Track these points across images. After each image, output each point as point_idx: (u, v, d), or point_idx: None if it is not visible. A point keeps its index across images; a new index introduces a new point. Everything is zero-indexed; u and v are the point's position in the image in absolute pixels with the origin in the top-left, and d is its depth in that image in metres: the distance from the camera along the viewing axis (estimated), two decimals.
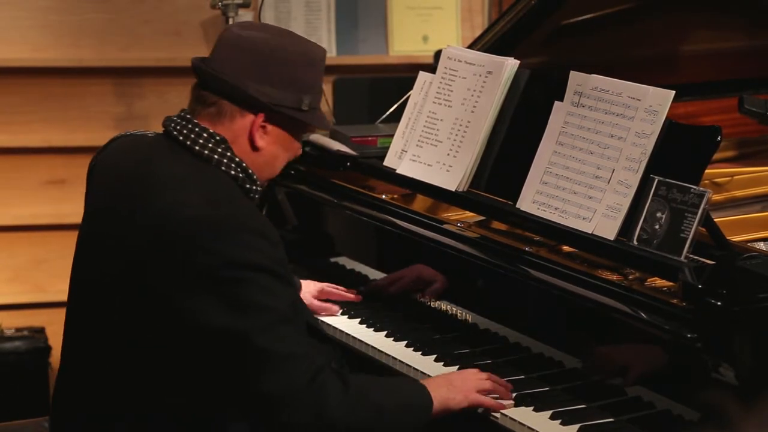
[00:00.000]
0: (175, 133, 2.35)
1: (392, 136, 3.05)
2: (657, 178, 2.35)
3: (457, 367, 2.55)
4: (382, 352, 2.69)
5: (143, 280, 2.25)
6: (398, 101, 3.38)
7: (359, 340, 2.77)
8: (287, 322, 2.25)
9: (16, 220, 4.50)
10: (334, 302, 2.95)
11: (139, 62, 4.49)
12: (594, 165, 2.52)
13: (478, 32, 4.22)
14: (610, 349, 2.37)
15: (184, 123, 2.35)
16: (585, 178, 2.53)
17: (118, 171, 2.39)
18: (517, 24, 3.29)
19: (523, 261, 2.54)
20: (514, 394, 2.41)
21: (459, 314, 2.73)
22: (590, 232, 2.48)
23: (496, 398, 2.40)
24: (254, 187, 2.36)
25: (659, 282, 2.37)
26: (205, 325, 2.21)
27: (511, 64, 2.81)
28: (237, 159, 2.34)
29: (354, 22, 4.68)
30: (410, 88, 3.03)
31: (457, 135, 2.84)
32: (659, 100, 2.45)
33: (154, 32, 4.54)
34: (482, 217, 2.83)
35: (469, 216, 2.86)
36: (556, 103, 2.63)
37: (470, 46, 3.22)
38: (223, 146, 2.33)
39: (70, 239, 2.44)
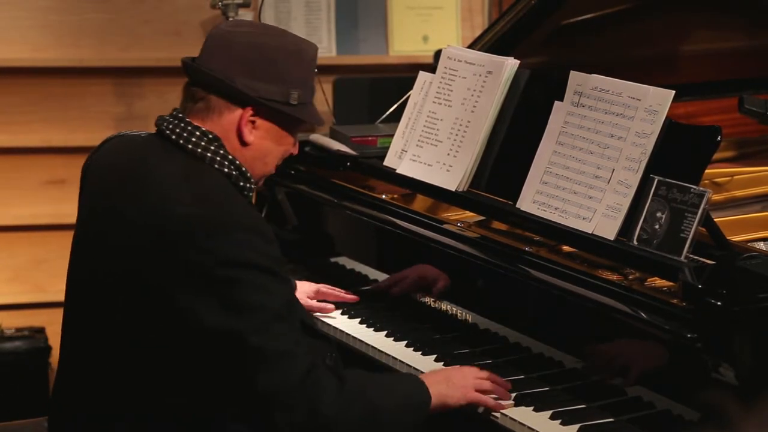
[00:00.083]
0: (167, 132, 2.35)
1: (392, 136, 3.05)
2: (657, 178, 2.35)
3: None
4: (382, 352, 2.69)
5: (139, 279, 2.25)
6: (398, 101, 3.38)
7: (359, 340, 2.77)
8: (282, 320, 2.25)
9: (16, 220, 4.50)
10: (331, 303, 2.95)
11: (139, 62, 4.49)
12: (594, 165, 2.52)
13: (478, 32, 4.23)
14: (610, 349, 2.37)
15: (176, 122, 2.35)
16: (585, 177, 2.53)
17: (111, 171, 2.39)
18: (517, 24, 3.29)
19: (523, 261, 2.54)
20: (513, 394, 2.41)
21: (459, 314, 2.73)
22: (590, 232, 2.48)
23: (495, 398, 2.40)
24: (248, 185, 2.36)
25: (659, 282, 2.37)
26: (200, 324, 2.21)
27: (511, 64, 2.81)
28: (230, 157, 2.34)
29: (354, 22, 4.68)
30: (410, 87, 3.03)
31: (457, 135, 2.84)
32: (659, 99, 2.45)
33: (154, 32, 4.54)
34: (482, 217, 2.83)
35: (469, 216, 2.86)
36: (556, 102, 2.63)
37: (470, 46, 3.22)
38: (216, 144, 2.33)
39: (70, 239, 2.45)
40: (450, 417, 2.46)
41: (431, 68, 3.01)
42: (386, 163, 3.02)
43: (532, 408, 2.36)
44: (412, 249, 2.84)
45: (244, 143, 2.36)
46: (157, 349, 2.26)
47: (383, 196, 3.02)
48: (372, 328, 2.81)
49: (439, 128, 2.88)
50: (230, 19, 4.02)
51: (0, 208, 4.51)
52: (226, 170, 2.33)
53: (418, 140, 2.93)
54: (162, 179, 2.29)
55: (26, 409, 3.49)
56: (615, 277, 2.41)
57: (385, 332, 2.78)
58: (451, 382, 2.41)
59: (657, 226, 2.33)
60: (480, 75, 2.84)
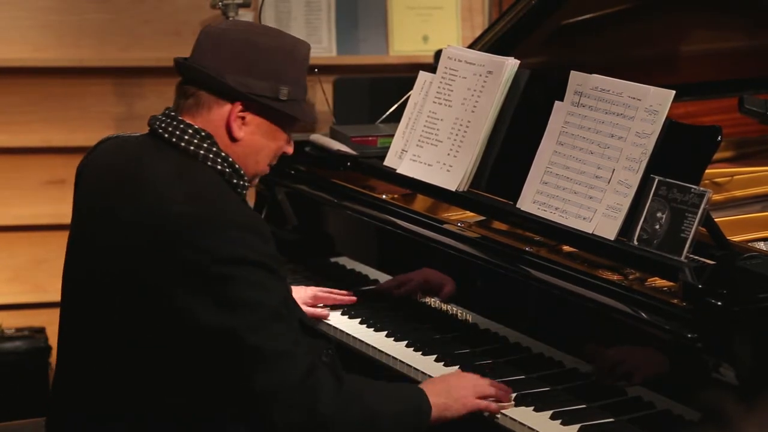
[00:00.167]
0: (160, 131, 2.35)
1: (392, 136, 3.05)
2: (657, 178, 2.35)
3: (458, 367, 2.55)
4: (382, 352, 2.69)
5: (135, 279, 2.25)
6: (398, 101, 3.38)
7: (359, 340, 2.77)
8: (280, 319, 2.24)
9: (16, 220, 4.50)
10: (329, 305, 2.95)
11: (140, 62, 4.49)
12: (594, 165, 2.52)
13: (478, 32, 4.23)
14: (611, 349, 2.37)
15: (169, 120, 2.36)
16: (585, 178, 2.53)
17: (106, 171, 2.39)
18: (517, 24, 3.29)
19: (523, 261, 2.54)
20: (514, 394, 2.41)
21: (459, 314, 2.73)
22: (590, 232, 2.48)
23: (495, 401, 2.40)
24: (241, 182, 2.36)
25: (659, 282, 2.37)
26: (197, 323, 2.21)
27: (512, 63, 2.81)
28: (223, 154, 2.34)
29: (354, 22, 4.68)
30: (410, 87, 3.03)
31: (457, 135, 2.84)
32: (659, 99, 2.45)
33: (154, 32, 4.54)
34: (482, 217, 2.83)
35: (470, 216, 2.86)
36: (557, 102, 2.63)
37: (470, 46, 3.22)
38: (209, 142, 2.34)
39: None
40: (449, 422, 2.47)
41: (431, 68, 3.01)
42: (386, 163, 3.02)
43: (532, 408, 2.36)
44: (413, 249, 2.84)
45: (233, 139, 2.36)
46: (155, 348, 2.26)
47: (383, 196, 3.02)
48: (372, 328, 2.81)
49: (440, 128, 2.88)
50: (230, 19, 4.02)
51: (0, 208, 4.51)
52: (219, 167, 2.33)
53: (419, 140, 2.93)
54: (155, 178, 2.29)
55: (26, 409, 3.48)
56: (615, 277, 2.41)
57: (385, 332, 2.78)
58: (451, 394, 2.40)
59: (657, 226, 2.33)
60: (480, 75, 2.84)
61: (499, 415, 2.37)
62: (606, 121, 2.53)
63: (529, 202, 2.62)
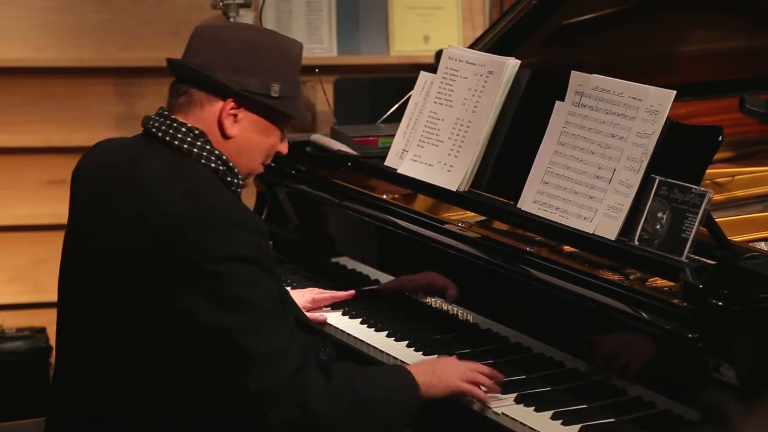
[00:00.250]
0: (154, 130, 2.36)
1: (393, 136, 3.05)
2: (658, 178, 2.35)
3: None
4: (383, 352, 2.69)
5: (132, 279, 2.25)
6: (399, 101, 3.38)
7: (360, 340, 2.77)
8: (273, 318, 2.25)
9: (16, 220, 4.50)
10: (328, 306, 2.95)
11: (140, 62, 4.50)
12: (595, 165, 2.52)
13: (479, 32, 4.23)
14: (611, 349, 2.37)
15: (162, 120, 2.36)
16: (586, 178, 2.53)
17: (101, 173, 2.40)
18: (518, 24, 3.29)
19: (524, 261, 2.54)
20: (514, 394, 2.41)
21: (460, 314, 2.73)
22: (591, 232, 2.48)
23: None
24: (236, 180, 2.37)
25: (660, 282, 2.37)
26: (193, 322, 2.21)
27: (512, 64, 2.81)
28: (216, 152, 2.34)
29: (355, 22, 4.68)
30: (411, 88, 3.03)
31: (458, 135, 2.84)
32: (660, 100, 2.45)
33: (154, 32, 4.54)
34: (483, 217, 2.83)
35: (470, 216, 2.86)
36: (557, 103, 2.63)
37: (471, 46, 3.22)
38: (203, 140, 2.34)
39: None
40: (450, 417, 2.47)
41: (432, 68, 3.01)
42: (387, 163, 3.02)
43: (533, 408, 2.36)
44: (413, 249, 2.84)
45: (226, 136, 2.36)
46: (154, 348, 2.26)
47: (384, 196, 3.02)
48: (373, 328, 2.81)
49: (440, 128, 2.89)
50: (231, 19, 4.02)
51: (0, 208, 4.51)
52: (213, 165, 2.34)
53: (419, 140, 2.93)
54: (150, 177, 2.30)
55: (27, 409, 3.49)
56: (616, 277, 2.42)
57: (386, 332, 2.78)
58: (436, 374, 2.41)
59: (658, 226, 2.33)
60: (481, 75, 2.84)
61: (499, 414, 2.37)
62: (607, 121, 2.53)
63: (529, 202, 2.62)
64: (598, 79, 2.58)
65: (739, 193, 2.86)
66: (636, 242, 2.37)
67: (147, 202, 2.27)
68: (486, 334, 2.66)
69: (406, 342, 2.72)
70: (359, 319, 2.87)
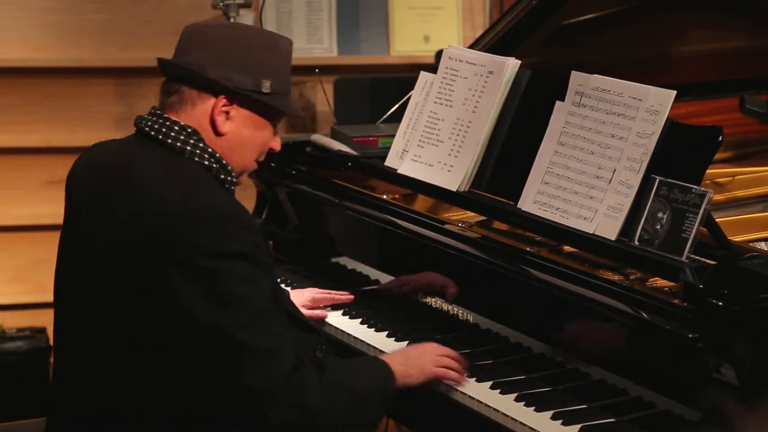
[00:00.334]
0: (147, 129, 2.37)
1: (393, 136, 3.05)
2: (658, 178, 2.35)
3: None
4: (383, 352, 2.68)
5: (128, 278, 2.26)
6: (399, 101, 3.38)
7: (360, 340, 2.77)
8: (267, 315, 2.26)
9: (16, 220, 4.50)
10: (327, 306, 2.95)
11: (140, 62, 4.50)
12: (595, 165, 2.52)
13: (479, 32, 4.23)
14: (612, 349, 2.37)
15: (154, 119, 2.37)
16: (586, 178, 2.53)
17: (96, 173, 2.41)
18: (518, 24, 3.29)
19: (524, 261, 2.54)
20: (515, 394, 2.41)
21: (460, 314, 2.73)
22: (591, 233, 2.48)
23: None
24: (229, 178, 2.37)
25: (660, 282, 2.37)
26: (191, 320, 2.22)
27: (513, 64, 2.81)
28: (210, 149, 2.35)
29: (355, 22, 4.68)
30: (411, 88, 3.03)
31: (458, 135, 2.84)
32: (660, 100, 2.45)
33: (154, 32, 4.54)
34: (483, 218, 2.83)
35: (471, 216, 2.87)
36: (558, 103, 2.63)
37: (471, 46, 3.22)
38: (195, 138, 2.35)
39: None
40: (450, 415, 2.47)
41: (432, 68, 3.01)
42: (387, 163, 3.02)
43: (533, 408, 2.36)
44: (414, 249, 2.84)
45: (218, 134, 2.37)
46: (152, 348, 2.27)
47: (384, 197, 3.02)
48: (373, 329, 2.81)
49: (441, 128, 2.89)
50: (231, 19, 4.02)
51: (0, 208, 4.51)
52: (206, 163, 2.34)
53: (420, 140, 2.93)
54: (143, 176, 2.31)
55: (27, 409, 3.49)
56: (616, 278, 2.42)
57: (386, 332, 2.78)
58: (410, 362, 2.46)
59: (658, 227, 2.33)
60: (481, 75, 2.84)
61: (500, 415, 2.37)
62: (607, 122, 2.53)
63: (530, 202, 2.62)
64: (598, 79, 2.58)
65: (740, 193, 2.86)
66: (636, 242, 2.37)
67: (141, 201, 2.27)
68: (486, 334, 2.66)
69: (406, 342, 2.72)
70: (359, 319, 2.87)
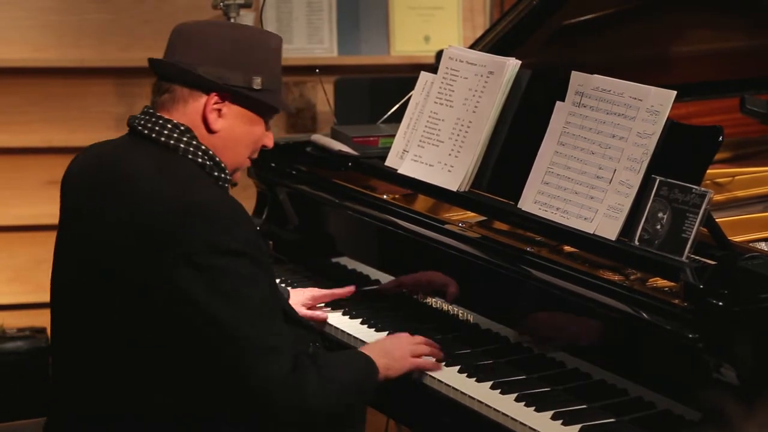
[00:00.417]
0: (140, 128, 2.37)
1: (394, 136, 3.05)
2: (658, 179, 2.35)
3: (458, 367, 2.55)
4: None
5: (127, 277, 2.26)
6: (400, 101, 3.38)
7: (360, 340, 2.77)
8: (268, 311, 2.27)
9: (16, 220, 4.51)
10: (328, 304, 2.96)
11: (140, 62, 4.46)
12: (595, 165, 2.52)
13: (479, 32, 4.23)
14: (612, 349, 2.37)
15: (147, 117, 2.38)
16: (586, 178, 2.53)
17: (90, 174, 2.41)
18: (518, 24, 3.29)
19: (524, 261, 2.54)
20: (515, 394, 2.41)
21: (460, 314, 2.73)
22: (592, 233, 2.48)
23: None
24: (222, 175, 2.38)
25: (660, 282, 2.37)
26: (189, 317, 2.22)
27: (513, 64, 2.81)
28: (203, 147, 2.36)
29: (355, 23, 4.68)
30: (412, 88, 3.03)
31: (458, 135, 2.84)
32: (661, 100, 2.45)
33: (154, 32, 4.54)
34: (484, 218, 2.83)
35: (471, 216, 2.87)
36: (558, 103, 2.64)
37: (472, 47, 3.22)
38: (188, 135, 2.35)
39: None
40: (448, 416, 2.47)
41: (432, 68, 3.01)
42: (387, 163, 3.02)
43: (533, 408, 2.36)
44: (414, 249, 2.84)
45: (211, 131, 2.38)
46: (152, 347, 2.27)
47: (384, 197, 3.02)
48: (373, 329, 2.81)
49: (441, 128, 2.89)
50: (232, 19, 4.02)
51: (0, 208, 4.51)
52: (199, 160, 2.35)
53: (420, 140, 2.93)
54: (137, 175, 2.31)
55: (27, 409, 3.49)
56: (616, 278, 2.42)
57: (386, 332, 2.78)
58: (390, 355, 2.49)
59: (658, 227, 2.33)
60: (481, 75, 2.84)
61: (500, 416, 2.37)
62: (607, 122, 2.53)
63: (530, 202, 2.62)
64: (598, 79, 2.58)
65: (740, 194, 2.86)
66: (636, 242, 2.37)
67: (137, 199, 2.28)
68: (486, 334, 2.66)
69: None
70: (359, 319, 2.87)
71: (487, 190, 2.78)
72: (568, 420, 2.30)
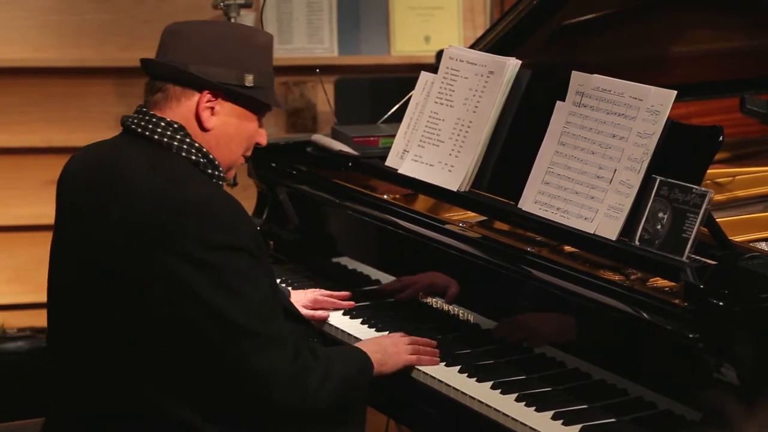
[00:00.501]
0: (133, 126, 2.38)
1: (394, 136, 3.05)
2: (659, 178, 2.35)
3: (458, 367, 2.55)
4: None
5: (126, 277, 2.26)
6: (400, 101, 3.38)
7: (361, 340, 2.77)
8: (269, 303, 2.28)
9: (16, 220, 4.51)
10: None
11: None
12: (596, 165, 2.53)
13: (479, 32, 4.23)
14: (612, 349, 2.38)
15: (140, 116, 2.39)
16: (587, 178, 2.53)
17: (85, 174, 2.41)
18: (518, 24, 3.29)
19: (524, 261, 2.54)
20: (516, 394, 2.41)
21: (461, 314, 2.73)
22: (592, 233, 2.48)
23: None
24: (217, 173, 2.39)
25: (661, 282, 2.37)
26: (189, 313, 2.22)
27: (513, 64, 2.81)
28: (197, 144, 2.36)
29: (356, 22, 4.69)
30: (412, 88, 3.03)
31: (459, 135, 2.84)
32: (661, 100, 2.45)
33: (154, 32, 4.51)
34: (484, 218, 2.83)
35: (471, 216, 2.87)
36: (558, 103, 2.64)
37: (472, 46, 3.22)
38: (182, 133, 2.36)
39: None
40: (448, 417, 2.47)
41: (433, 68, 3.01)
42: (388, 163, 3.02)
43: (533, 408, 2.36)
44: (414, 249, 2.84)
45: (204, 129, 2.39)
46: (152, 347, 2.27)
47: (385, 197, 3.02)
48: (374, 329, 2.81)
49: (441, 128, 2.89)
50: (232, 19, 4.02)
51: (0, 208, 4.51)
52: (193, 158, 2.35)
53: (420, 140, 2.93)
54: (131, 173, 2.32)
55: (27, 409, 3.48)
56: (617, 278, 2.42)
57: (386, 332, 2.78)
58: (385, 351, 2.53)
59: (659, 227, 2.33)
60: (482, 75, 2.84)
61: (500, 415, 2.37)
62: (607, 122, 2.53)
63: (530, 202, 2.62)
64: (598, 79, 2.58)
65: (740, 193, 2.86)
66: (637, 242, 2.37)
67: (132, 198, 2.28)
68: (487, 334, 2.66)
69: None
70: (360, 319, 2.87)
71: (487, 190, 2.78)
72: (568, 420, 2.30)
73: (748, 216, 2.71)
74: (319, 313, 2.89)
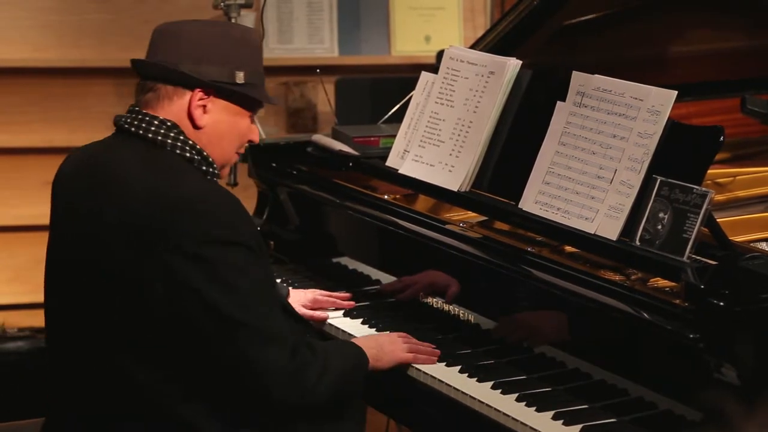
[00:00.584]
0: (126, 125, 2.38)
1: (394, 136, 3.05)
2: (659, 179, 2.35)
3: (459, 367, 2.55)
4: None
5: (126, 276, 2.26)
6: (400, 101, 3.38)
7: None
8: (267, 299, 2.29)
9: (16, 220, 4.51)
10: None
11: None
12: (596, 165, 2.53)
13: (480, 32, 4.23)
14: (613, 349, 2.38)
15: (133, 115, 2.39)
16: (587, 178, 2.53)
17: (79, 174, 2.42)
18: (519, 24, 3.29)
19: (525, 261, 2.54)
20: (516, 394, 2.41)
21: (461, 314, 2.73)
22: (592, 233, 2.48)
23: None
24: (211, 170, 2.39)
25: (661, 282, 2.37)
26: (188, 309, 2.23)
27: (514, 64, 2.81)
28: (190, 142, 2.37)
29: (356, 22, 4.69)
30: (412, 88, 3.03)
31: (459, 135, 2.84)
32: (662, 100, 2.45)
33: None
34: (484, 218, 2.83)
35: (472, 216, 2.87)
36: (559, 103, 2.64)
37: (472, 47, 3.22)
38: (176, 131, 2.36)
39: None
40: (442, 414, 2.47)
41: (433, 68, 3.01)
42: (388, 163, 3.02)
43: (534, 408, 2.36)
44: (415, 249, 2.84)
45: (197, 127, 2.39)
46: (153, 347, 2.27)
47: (385, 197, 3.02)
48: (374, 329, 2.81)
49: (442, 128, 2.89)
50: (233, 20, 4.02)
51: (0, 208, 4.51)
52: (187, 155, 2.36)
53: (421, 140, 2.93)
54: (125, 171, 2.32)
55: (27, 409, 3.48)
56: (617, 278, 2.42)
57: (386, 332, 2.78)
58: (382, 348, 2.54)
59: (659, 227, 2.33)
60: (482, 75, 2.84)
61: (501, 415, 2.37)
62: (608, 122, 2.53)
63: (531, 202, 2.62)
64: (599, 79, 2.58)
65: (741, 194, 2.86)
66: (637, 242, 2.37)
67: (128, 197, 2.28)
68: (487, 334, 2.66)
69: None
70: (360, 319, 2.87)
71: (487, 190, 2.78)
72: (568, 420, 2.30)
73: (749, 216, 2.71)
74: (318, 313, 2.89)
